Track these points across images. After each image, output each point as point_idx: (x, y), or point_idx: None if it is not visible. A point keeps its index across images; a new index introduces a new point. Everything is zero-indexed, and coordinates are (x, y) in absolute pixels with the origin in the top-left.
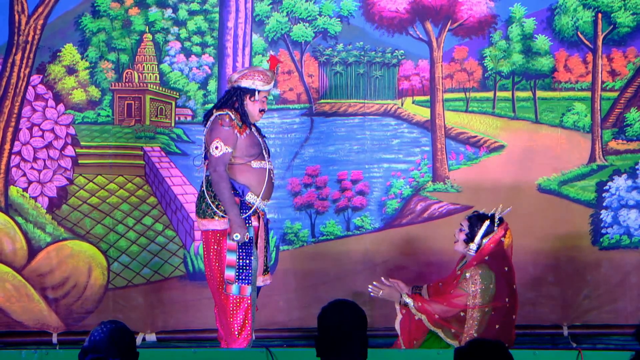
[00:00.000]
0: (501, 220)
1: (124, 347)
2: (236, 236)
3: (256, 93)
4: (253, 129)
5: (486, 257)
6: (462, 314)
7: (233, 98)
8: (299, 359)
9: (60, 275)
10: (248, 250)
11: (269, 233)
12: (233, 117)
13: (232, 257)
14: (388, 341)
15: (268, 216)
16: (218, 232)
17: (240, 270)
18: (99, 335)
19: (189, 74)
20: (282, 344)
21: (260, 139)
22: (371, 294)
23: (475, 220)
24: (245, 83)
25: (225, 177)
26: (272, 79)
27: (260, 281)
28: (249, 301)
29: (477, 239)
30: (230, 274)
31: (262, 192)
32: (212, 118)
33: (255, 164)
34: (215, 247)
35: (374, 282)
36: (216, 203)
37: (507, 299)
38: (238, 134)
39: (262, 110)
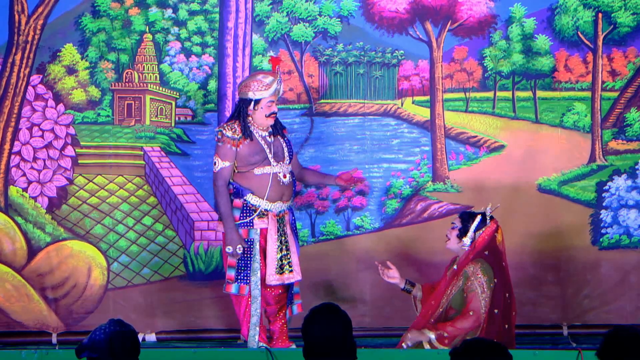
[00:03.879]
0: (492, 217)
1: (121, 353)
2: (228, 249)
3: (253, 102)
4: (262, 134)
5: (485, 252)
6: (471, 312)
7: (239, 109)
8: (299, 359)
9: (60, 275)
10: (248, 252)
11: (296, 232)
12: (225, 132)
13: (232, 259)
14: (388, 341)
15: None
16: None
17: (239, 271)
18: (99, 335)
19: (189, 74)
20: None
21: (264, 145)
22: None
23: (467, 216)
24: (243, 94)
25: (223, 193)
26: (272, 84)
27: (274, 280)
28: (249, 300)
29: (470, 232)
30: (230, 274)
31: (266, 194)
32: None
33: (257, 170)
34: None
35: (377, 263)
36: None
37: (506, 294)
38: (234, 147)
39: (271, 114)
